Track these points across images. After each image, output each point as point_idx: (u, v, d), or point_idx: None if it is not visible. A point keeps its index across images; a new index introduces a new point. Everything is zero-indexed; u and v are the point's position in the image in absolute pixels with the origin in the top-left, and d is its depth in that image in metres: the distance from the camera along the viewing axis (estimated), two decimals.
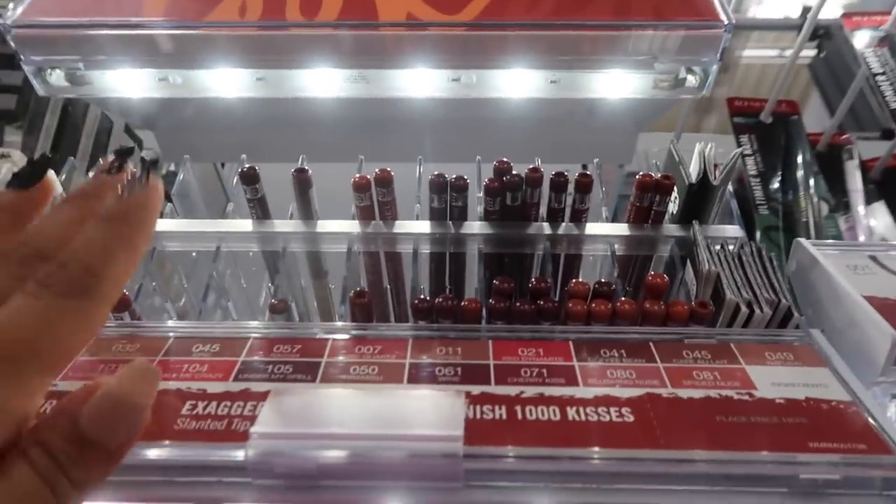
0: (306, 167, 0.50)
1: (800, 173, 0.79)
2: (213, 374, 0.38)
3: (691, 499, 0.33)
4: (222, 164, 1.07)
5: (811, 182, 0.78)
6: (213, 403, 0.36)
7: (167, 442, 0.33)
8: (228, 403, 0.36)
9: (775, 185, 0.80)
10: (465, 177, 0.50)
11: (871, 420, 0.35)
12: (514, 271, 0.54)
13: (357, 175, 0.50)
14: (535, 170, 0.49)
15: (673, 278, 0.51)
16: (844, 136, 0.89)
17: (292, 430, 0.33)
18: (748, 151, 0.83)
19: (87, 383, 0.22)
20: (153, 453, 0.33)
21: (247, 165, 0.50)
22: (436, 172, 0.50)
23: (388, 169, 0.50)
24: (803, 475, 0.32)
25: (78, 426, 0.20)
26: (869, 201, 0.84)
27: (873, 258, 0.45)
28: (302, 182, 0.50)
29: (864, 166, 0.88)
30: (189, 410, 0.35)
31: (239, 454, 0.32)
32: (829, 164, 0.87)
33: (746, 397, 0.36)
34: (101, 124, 0.80)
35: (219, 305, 0.56)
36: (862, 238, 0.78)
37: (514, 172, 0.49)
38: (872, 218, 0.81)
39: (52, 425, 0.20)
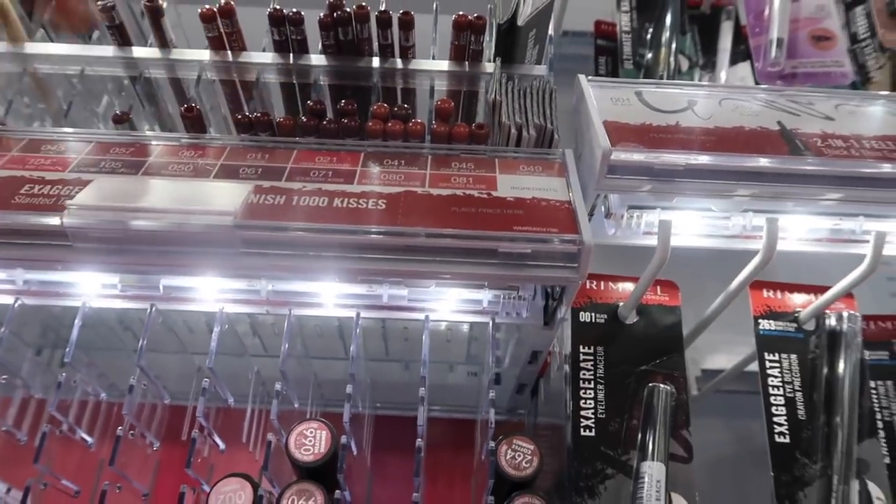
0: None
1: (666, 31, 0.84)
2: (54, 167, 0.46)
3: (420, 266, 0.42)
4: None
5: (674, 40, 0.83)
6: (48, 187, 0.44)
7: (3, 212, 0.42)
8: (60, 187, 0.44)
9: (644, 42, 0.85)
10: (301, 12, 0.55)
11: (574, 213, 0.44)
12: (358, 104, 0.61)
13: (205, 7, 0.55)
14: (362, 6, 0.54)
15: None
16: None
17: (103, 203, 0.42)
18: (626, 9, 0.87)
19: None
20: None
21: None
22: (276, 6, 0.56)
23: (231, 2, 0.55)
24: (501, 249, 0.41)
25: None
26: (736, 62, 0.90)
27: (638, 94, 0.52)
28: (152, 11, 0.55)
29: (742, 30, 0.93)
30: (27, 191, 0.43)
31: (55, 220, 0.41)
32: (709, 24, 0.93)
33: (485, 195, 0.45)
34: None
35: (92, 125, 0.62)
36: None
37: (345, 8, 0.55)
38: (734, 76, 0.88)
39: None
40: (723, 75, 0.87)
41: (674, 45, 0.84)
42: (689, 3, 0.91)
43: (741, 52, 0.91)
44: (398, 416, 0.75)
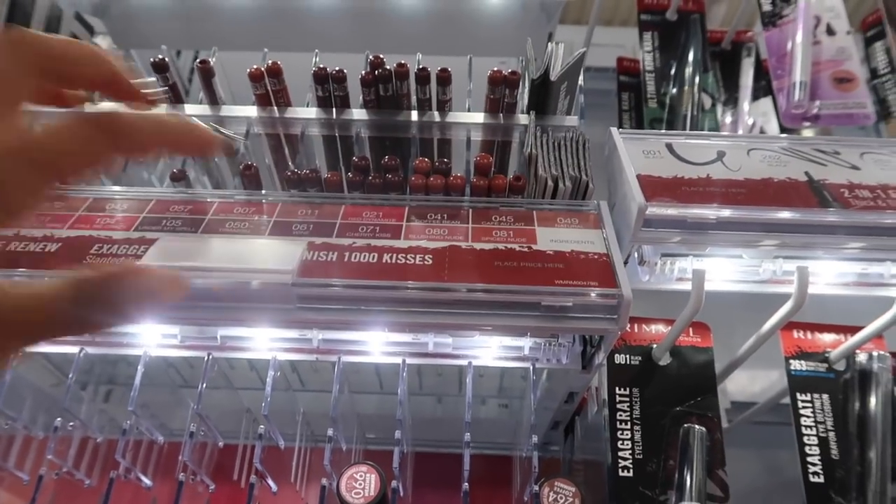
0: (209, 59, 0.59)
1: (689, 69, 0.86)
2: (119, 226, 0.49)
3: (466, 319, 0.45)
4: (177, 53, 1.14)
5: (697, 77, 0.86)
6: (116, 246, 0.47)
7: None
8: (127, 246, 0.47)
9: (667, 80, 0.87)
10: (345, 70, 0.58)
11: (612, 267, 0.46)
12: (396, 154, 0.64)
13: (253, 66, 0.59)
14: (402, 64, 0.57)
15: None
16: (748, 34, 0.96)
17: (168, 263, 0.44)
18: (648, 48, 0.90)
19: None
20: None
21: (160, 56, 0.59)
22: (321, 65, 0.59)
23: (279, 62, 0.58)
24: (544, 303, 0.44)
25: None
26: (758, 97, 0.92)
27: (668, 146, 0.55)
28: (205, 72, 0.59)
29: (762, 65, 0.95)
30: (96, 251, 0.46)
31: None
32: (730, 61, 0.95)
33: (525, 249, 0.47)
34: (51, 11, 0.86)
35: (149, 181, 0.66)
36: (740, 131, 0.87)
37: (385, 66, 0.58)
38: (756, 112, 0.90)
39: None
40: (745, 108, 0.89)
41: (697, 83, 0.86)
42: (711, 41, 0.94)
43: (762, 87, 0.93)
44: (432, 454, 0.77)
